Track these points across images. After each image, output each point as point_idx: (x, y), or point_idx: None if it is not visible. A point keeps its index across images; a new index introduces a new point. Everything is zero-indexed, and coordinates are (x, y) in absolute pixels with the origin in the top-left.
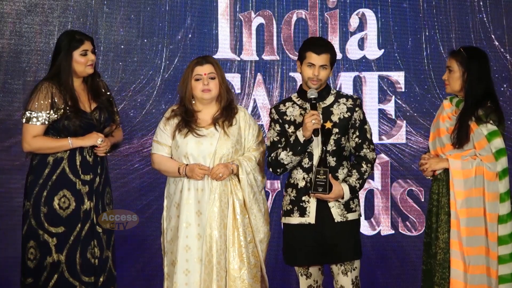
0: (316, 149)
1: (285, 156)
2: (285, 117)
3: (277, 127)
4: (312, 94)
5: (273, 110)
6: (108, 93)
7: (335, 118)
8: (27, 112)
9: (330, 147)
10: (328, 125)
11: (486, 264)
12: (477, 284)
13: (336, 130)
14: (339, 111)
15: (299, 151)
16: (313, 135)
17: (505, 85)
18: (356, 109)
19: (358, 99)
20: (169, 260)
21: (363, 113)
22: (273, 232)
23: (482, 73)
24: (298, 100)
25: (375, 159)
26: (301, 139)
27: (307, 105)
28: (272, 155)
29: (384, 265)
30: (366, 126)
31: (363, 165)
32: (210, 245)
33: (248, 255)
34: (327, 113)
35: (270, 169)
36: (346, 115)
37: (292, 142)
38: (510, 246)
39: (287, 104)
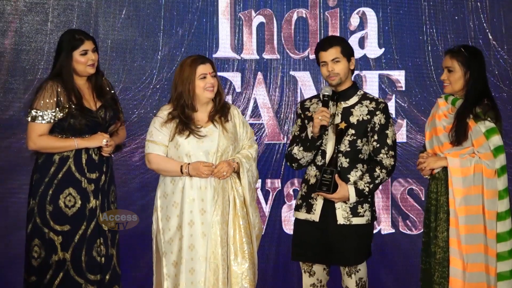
0: (330, 148)
1: (297, 151)
2: (307, 112)
3: (299, 122)
4: (325, 91)
5: (298, 105)
6: (112, 91)
7: (353, 119)
8: (32, 111)
9: (344, 147)
10: (342, 125)
11: (485, 262)
12: (476, 282)
13: (352, 131)
14: (359, 113)
15: (309, 147)
16: (321, 132)
17: (502, 85)
18: (377, 112)
19: (383, 103)
20: (169, 260)
21: (387, 118)
22: (273, 230)
23: (482, 71)
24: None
25: (393, 165)
26: (310, 135)
27: (331, 103)
28: (289, 148)
29: (384, 264)
30: (387, 132)
31: (377, 170)
32: (215, 243)
33: (250, 251)
34: (346, 113)
35: (288, 163)
36: (365, 118)
37: (303, 137)
38: (509, 243)
39: (313, 100)
